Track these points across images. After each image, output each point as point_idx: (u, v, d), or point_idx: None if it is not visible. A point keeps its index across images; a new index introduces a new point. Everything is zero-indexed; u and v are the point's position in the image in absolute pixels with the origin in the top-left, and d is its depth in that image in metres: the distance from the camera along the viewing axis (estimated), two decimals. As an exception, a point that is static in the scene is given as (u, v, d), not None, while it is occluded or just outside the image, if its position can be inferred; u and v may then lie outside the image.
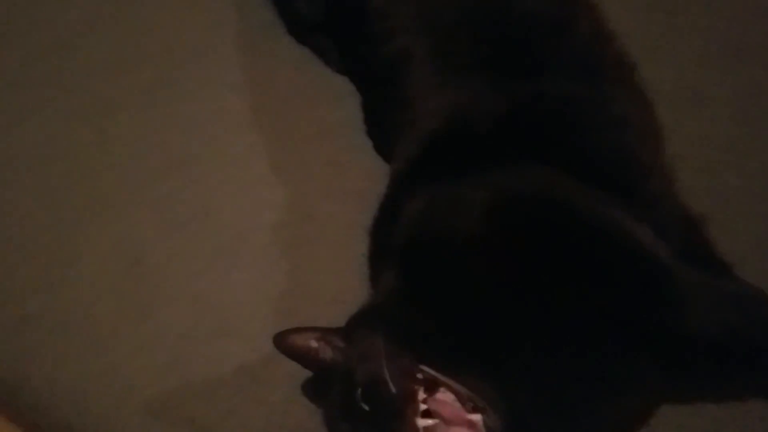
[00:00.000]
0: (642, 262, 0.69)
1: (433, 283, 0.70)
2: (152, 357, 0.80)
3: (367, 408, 0.64)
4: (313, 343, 0.71)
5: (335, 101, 0.99)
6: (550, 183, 0.72)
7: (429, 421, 0.62)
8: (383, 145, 0.90)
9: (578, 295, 0.66)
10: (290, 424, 0.75)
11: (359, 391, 0.65)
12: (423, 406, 0.62)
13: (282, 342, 0.72)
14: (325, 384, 0.71)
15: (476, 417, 0.62)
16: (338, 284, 0.83)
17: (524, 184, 0.72)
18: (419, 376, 0.63)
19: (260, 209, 0.89)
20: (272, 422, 0.75)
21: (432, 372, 0.64)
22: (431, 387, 0.64)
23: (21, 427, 0.84)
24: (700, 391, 0.72)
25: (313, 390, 0.74)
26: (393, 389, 0.62)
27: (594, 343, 0.67)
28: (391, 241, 0.76)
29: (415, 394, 0.62)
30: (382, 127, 0.91)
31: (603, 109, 0.79)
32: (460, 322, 0.67)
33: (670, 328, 0.67)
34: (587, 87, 0.79)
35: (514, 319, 0.66)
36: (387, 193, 0.82)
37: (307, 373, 0.74)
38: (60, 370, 0.80)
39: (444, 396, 0.63)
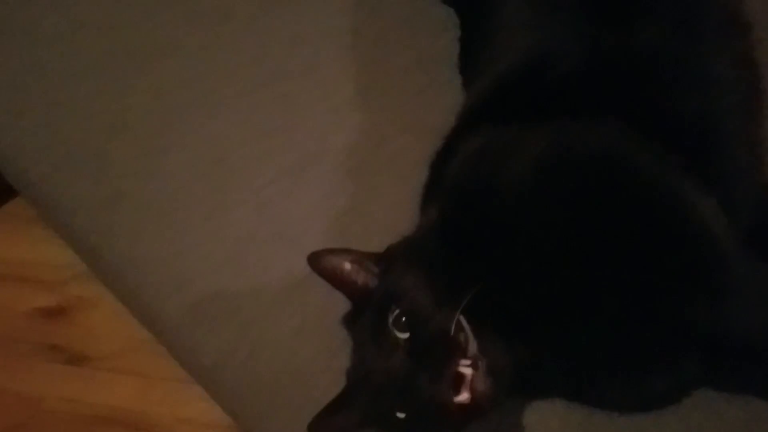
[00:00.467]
0: (695, 243, 0.64)
1: (471, 226, 0.69)
2: (214, 249, 0.86)
3: (398, 334, 0.66)
4: (347, 266, 0.73)
5: (436, 32, 0.98)
6: (616, 142, 0.68)
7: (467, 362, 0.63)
8: (470, 82, 0.89)
9: (620, 266, 0.63)
10: (324, 327, 0.78)
11: (393, 318, 0.66)
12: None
13: (316, 261, 0.74)
14: (358, 311, 0.73)
15: (467, 371, 0.62)
16: (395, 214, 0.84)
17: (587, 140, 0.68)
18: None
19: (338, 130, 0.92)
20: (307, 323, 0.79)
21: (465, 323, 0.64)
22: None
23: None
24: (736, 386, 0.67)
25: (351, 321, 0.75)
26: (451, 332, 0.63)
27: (628, 322, 0.64)
28: (443, 176, 0.76)
29: (458, 337, 0.64)
30: (471, 63, 0.89)
31: (696, 69, 0.72)
32: (491, 272, 0.66)
33: (709, 321, 0.63)
34: (684, 43, 0.72)
35: (547, 279, 0.64)
36: (453, 128, 0.81)
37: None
38: (136, 247, 0.88)
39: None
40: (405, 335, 0.66)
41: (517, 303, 0.65)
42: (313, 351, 0.78)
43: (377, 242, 0.81)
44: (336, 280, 0.74)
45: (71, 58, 1.00)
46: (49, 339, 1.52)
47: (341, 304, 0.78)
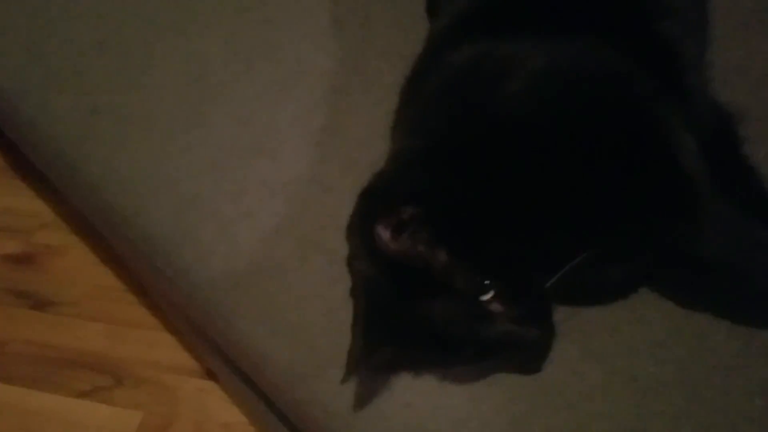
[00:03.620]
0: (678, 174, 0.66)
1: (464, 149, 0.68)
2: (195, 160, 0.89)
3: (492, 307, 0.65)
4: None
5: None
6: (615, 64, 0.69)
7: None
8: (434, 5, 0.92)
9: (607, 180, 0.65)
10: (299, 231, 0.82)
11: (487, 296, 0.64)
12: None
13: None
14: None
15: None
16: (370, 129, 0.88)
17: (588, 61, 0.69)
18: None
19: (316, 55, 0.95)
20: (282, 226, 0.82)
21: None
22: None
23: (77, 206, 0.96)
24: (682, 293, 0.72)
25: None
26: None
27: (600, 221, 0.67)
28: (420, 94, 0.78)
29: None
30: None
31: None
32: (478, 190, 0.66)
33: (674, 239, 0.67)
34: None
35: (539, 189, 0.65)
36: (423, 51, 0.83)
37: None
38: (116, 157, 0.90)
39: None
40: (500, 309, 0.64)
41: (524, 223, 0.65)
42: (286, 253, 0.80)
43: (353, 156, 0.85)
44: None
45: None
46: (15, 285, 1.51)
47: (314, 210, 0.82)
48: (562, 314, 0.69)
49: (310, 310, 0.77)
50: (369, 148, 0.85)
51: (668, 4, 0.77)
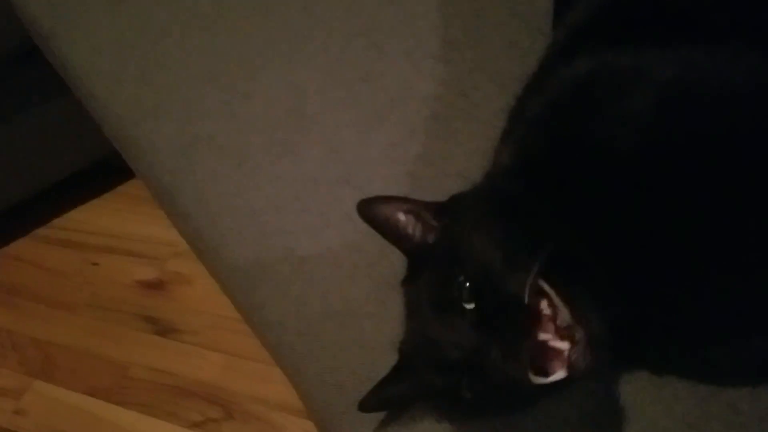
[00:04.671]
0: None
1: (564, 166, 0.59)
2: (280, 191, 0.84)
3: (464, 304, 0.57)
4: (401, 216, 0.65)
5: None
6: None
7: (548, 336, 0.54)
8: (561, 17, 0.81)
9: (747, 222, 0.53)
10: (376, 274, 0.74)
11: (457, 286, 0.57)
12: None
13: (367, 209, 0.65)
14: (415, 271, 0.64)
15: (564, 345, 0.53)
16: (469, 161, 0.79)
17: (728, 71, 0.57)
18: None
19: (422, 80, 0.88)
20: (360, 268, 0.75)
21: (547, 288, 0.55)
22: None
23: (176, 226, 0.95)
24: None
25: (406, 283, 0.67)
26: (526, 300, 0.54)
27: (745, 283, 0.54)
28: (528, 111, 0.68)
29: (539, 306, 0.55)
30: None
31: None
32: (586, 222, 0.57)
33: None
34: None
35: (662, 230, 0.55)
36: (536, 70, 0.73)
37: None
38: (207, 187, 0.88)
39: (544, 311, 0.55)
40: (471, 305, 0.57)
41: (619, 259, 0.56)
42: (363, 296, 0.73)
43: (447, 188, 0.75)
44: (389, 232, 0.65)
45: (168, 19, 1.02)
46: (144, 310, 1.56)
47: (396, 253, 0.72)
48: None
49: (383, 363, 0.67)
50: (466, 180, 0.75)
51: None
